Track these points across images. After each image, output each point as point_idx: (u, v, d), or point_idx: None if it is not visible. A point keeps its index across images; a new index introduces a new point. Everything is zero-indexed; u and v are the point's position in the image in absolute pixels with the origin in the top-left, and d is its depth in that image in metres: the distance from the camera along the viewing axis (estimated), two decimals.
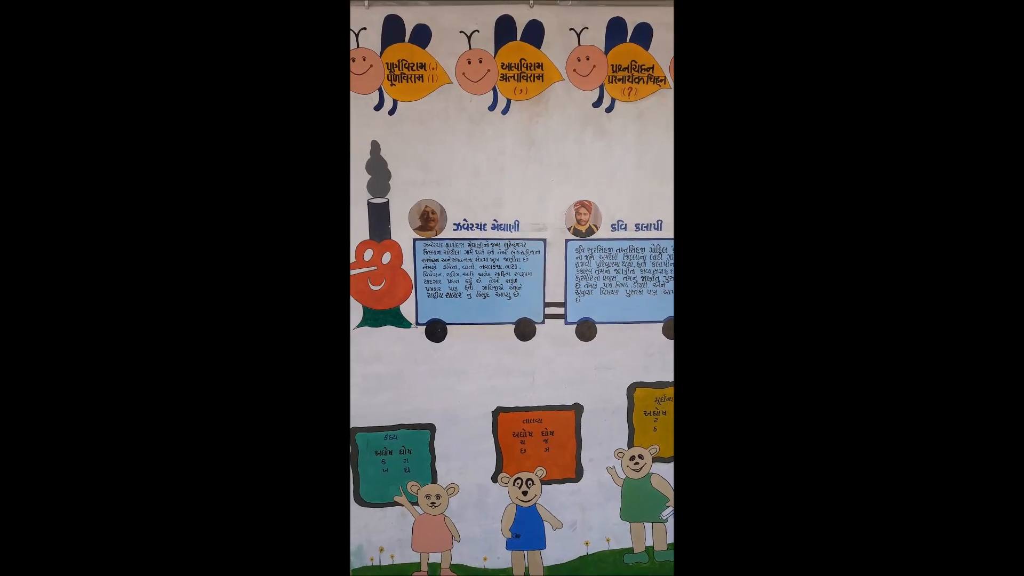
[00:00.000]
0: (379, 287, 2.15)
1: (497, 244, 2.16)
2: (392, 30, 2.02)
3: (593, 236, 2.18)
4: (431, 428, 2.23)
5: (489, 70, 2.06)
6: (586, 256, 2.19)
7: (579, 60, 2.09)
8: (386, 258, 2.13)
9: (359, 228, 2.11)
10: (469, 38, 2.04)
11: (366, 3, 1.98)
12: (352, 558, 2.27)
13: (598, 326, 2.23)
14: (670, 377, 2.28)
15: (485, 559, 2.31)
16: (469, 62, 2.05)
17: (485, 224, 2.15)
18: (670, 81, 2.12)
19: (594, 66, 2.09)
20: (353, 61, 2.02)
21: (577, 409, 2.27)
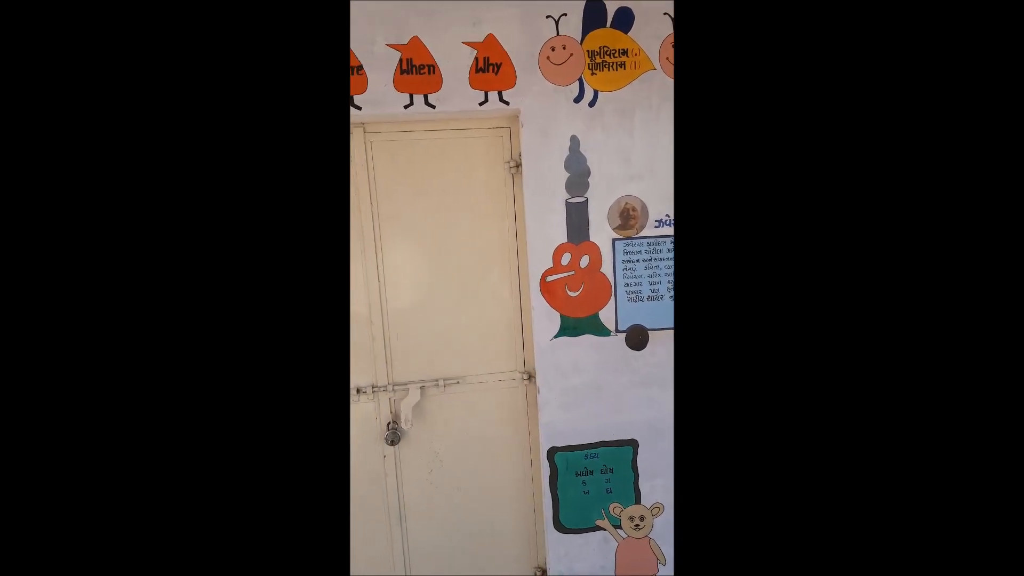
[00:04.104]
0: (576, 293, 1.99)
1: None
2: (594, 15, 1.87)
3: None
4: (634, 444, 2.06)
5: None
6: None
7: None
8: (584, 261, 1.98)
9: (556, 231, 1.95)
10: (675, 20, 1.90)
11: None
12: None
13: None
14: None
15: None
16: (673, 46, 1.91)
17: None
18: None
19: None
20: (552, 50, 1.87)
21: None
